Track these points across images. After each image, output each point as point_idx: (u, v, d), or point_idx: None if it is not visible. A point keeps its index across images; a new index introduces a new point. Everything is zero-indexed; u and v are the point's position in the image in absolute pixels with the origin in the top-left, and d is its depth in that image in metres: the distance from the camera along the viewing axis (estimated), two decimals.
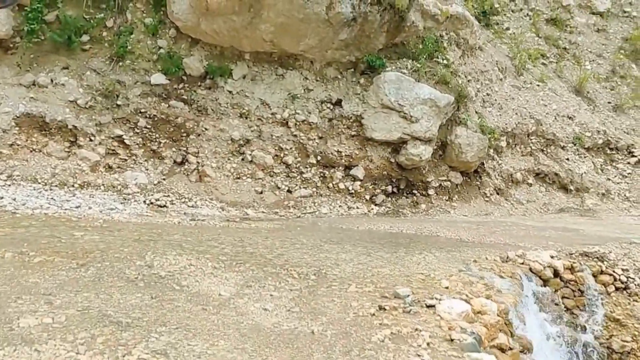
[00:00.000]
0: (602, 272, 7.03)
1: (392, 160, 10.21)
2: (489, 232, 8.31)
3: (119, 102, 9.18)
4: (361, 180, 9.97)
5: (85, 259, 4.86)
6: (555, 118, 12.92)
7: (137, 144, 9.07)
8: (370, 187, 10.02)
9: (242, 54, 10.01)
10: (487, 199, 10.94)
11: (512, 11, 15.35)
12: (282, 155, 9.75)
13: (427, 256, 6.29)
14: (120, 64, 9.43)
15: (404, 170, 10.29)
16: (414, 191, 10.32)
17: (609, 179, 12.42)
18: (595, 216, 11.07)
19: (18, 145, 8.36)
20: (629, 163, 12.83)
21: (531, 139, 12.36)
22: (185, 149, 9.29)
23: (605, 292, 6.92)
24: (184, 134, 9.39)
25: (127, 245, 5.42)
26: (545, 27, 15.41)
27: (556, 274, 6.69)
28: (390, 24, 10.00)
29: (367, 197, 9.90)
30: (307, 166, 9.81)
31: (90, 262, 4.79)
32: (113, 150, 8.89)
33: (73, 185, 8.10)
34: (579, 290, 6.84)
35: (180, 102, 9.52)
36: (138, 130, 9.14)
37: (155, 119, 9.30)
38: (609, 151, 13.00)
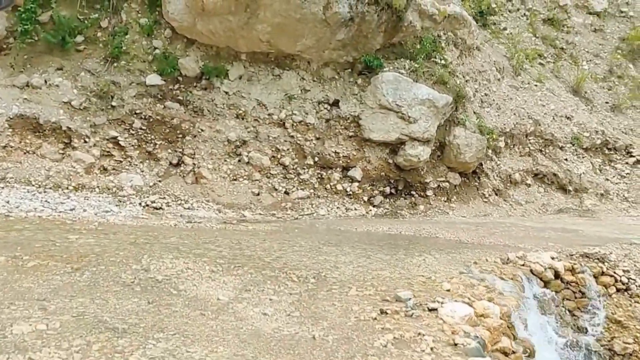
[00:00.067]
0: (602, 274, 6.98)
1: (390, 161, 10.14)
2: (488, 233, 8.26)
3: (113, 103, 9.07)
4: (359, 182, 9.89)
5: (80, 262, 4.77)
6: (554, 118, 12.88)
7: (133, 145, 8.97)
8: (368, 188, 9.94)
9: (238, 55, 9.92)
10: (485, 199, 10.88)
11: (509, 11, 15.32)
12: (279, 156, 9.66)
13: (427, 258, 6.23)
14: (115, 64, 9.32)
15: (402, 171, 10.22)
16: (412, 192, 10.25)
17: (607, 179, 12.38)
18: (594, 217, 11.04)
19: (11, 147, 8.24)
20: (627, 163, 12.80)
21: (529, 140, 12.31)
22: (181, 150, 9.20)
23: (606, 294, 6.87)
24: (180, 135, 9.29)
25: (123, 249, 5.32)
26: (543, 27, 15.38)
27: (557, 275, 6.65)
28: (387, 23, 9.93)
29: (365, 198, 9.83)
30: (305, 167, 9.73)
31: (85, 266, 4.69)
32: (108, 151, 8.78)
33: (67, 188, 8.00)
34: (580, 291, 6.79)
35: (175, 103, 9.43)
36: (133, 132, 9.04)
37: (151, 120, 9.20)
38: (607, 151, 12.97)
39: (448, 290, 5.05)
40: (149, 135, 9.11)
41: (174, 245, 5.70)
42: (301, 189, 9.50)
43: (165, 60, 9.49)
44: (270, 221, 8.31)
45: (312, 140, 9.89)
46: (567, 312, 6.61)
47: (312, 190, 9.55)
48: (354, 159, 9.99)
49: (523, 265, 6.47)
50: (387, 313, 4.30)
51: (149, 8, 9.72)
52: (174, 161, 9.07)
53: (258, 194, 9.16)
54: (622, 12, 16.08)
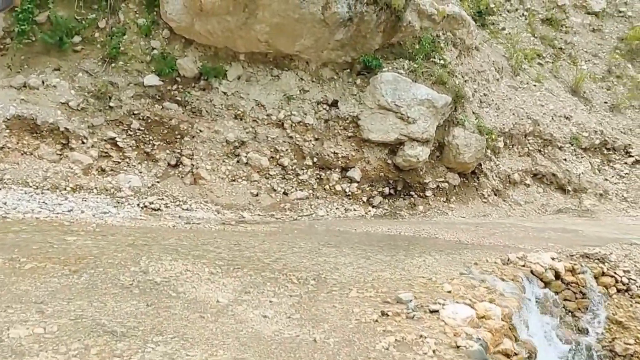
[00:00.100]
0: (603, 274, 6.95)
1: (389, 161, 10.10)
2: (488, 233, 8.22)
3: (111, 104, 9.03)
4: (358, 182, 9.85)
5: (78, 265, 4.72)
6: (552, 118, 12.86)
7: (131, 146, 8.93)
8: (367, 188, 9.91)
9: (236, 55, 9.88)
10: (484, 200, 10.85)
11: (508, 11, 15.30)
12: (277, 157, 9.62)
13: (427, 259, 6.19)
14: (113, 65, 9.27)
15: (401, 172, 10.18)
16: (411, 193, 10.21)
17: (606, 180, 12.37)
18: (593, 217, 11.02)
19: (9, 148, 8.19)
20: (626, 163, 12.78)
21: (528, 140, 12.29)
22: (179, 151, 9.15)
23: (607, 294, 6.85)
24: (178, 136, 9.24)
25: (121, 251, 5.28)
26: (541, 27, 15.37)
27: (557, 276, 6.62)
28: (386, 23, 9.90)
29: (364, 199, 9.79)
30: (303, 168, 9.69)
31: (83, 269, 4.65)
32: (106, 152, 8.73)
33: (65, 189, 7.95)
34: (581, 292, 6.76)
35: (174, 104, 9.38)
36: (131, 133, 8.99)
37: (149, 120, 9.15)
38: (606, 151, 12.95)
39: (449, 292, 5.01)
40: (147, 136, 9.06)
41: (172, 247, 5.65)
42: (300, 189, 9.46)
43: (163, 60, 9.44)
44: (269, 222, 8.27)
45: (311, 140, 9.85)
46: (568, 313, 6.58)
47: (311, 191, 9.51)
48: (353, 160, 9.96)
49: (523, 266, 6.44)
50: (388, 315, 4.26)
51: (146, 8, 9.67)
52: (172, 162, 9.03)
53: (257, 195, 9.12)
54: (620, 12, 16.08)
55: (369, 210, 9.60)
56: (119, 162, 8.72)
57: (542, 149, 12.35)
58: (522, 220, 10.16)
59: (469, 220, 9.79)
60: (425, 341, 3.81)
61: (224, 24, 9.23)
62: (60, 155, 8.44)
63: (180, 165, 9.04)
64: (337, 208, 9.38)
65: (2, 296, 3.93)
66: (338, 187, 9.71)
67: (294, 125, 9.83)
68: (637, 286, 6.86)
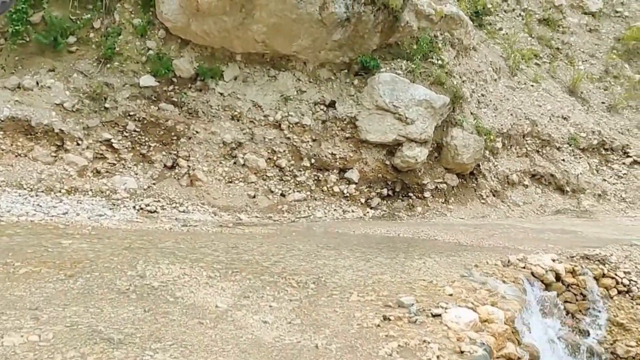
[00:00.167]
0: (604, 275, 6.91)
1: (387, 162, 10.04)
2: (487, 235, 8.17)
3: (107, 105, 8.92)
4: (356, 183, 9.78)
5: (73, 269, 4.63)
6: (550, 119, 12.83)
7: (126, 147, 8.83)
8: (366, 190, 9.84)
9: (233, 55, 9.79)
10: (483, 201, 10.80)
11: (505, 11, 15.27)
12: (275, 158, 9.54)
13: (427, 261, 6.12)
14: (108, 65, 9.17)
15: (400, 173, 10.12)
16: (409, 194, 10.15)
17: (604, 180, 12.34)
18: (592, 217, 10.98)
19: (2, 150, 8.08)
20: (624, 163, 12.77)
21: (526, 140, 12.25)
22: (175, 152, 9.06)
23: (607, 296, 6.80)
24: (174, 137, 9.15)
25: (118, 254, 5.19)
26: (538, 27, 15.35)
27: (558, 277, 6.57)
28: (384, 24, 9.84)
29: (363, 200, 9.72)
30: (301, 169, 9.61)
31: (78, 273, 4.55)
32: (101, 154, 8.63)
33: (60, 191, 7.84)
34: (581, 294, 6.72)
35: (170, 105, 9.29)
36: (127, 134, 8.90)
37: (145, 122, 9.05)
38: (604, 152, 12.93)
39: (450, 295, 4.94)
40: (143, 137, 8.96)
41: (169, 250, 5.56)
42: (297, 191, 9.38)
43: (159, 61, 9.34)
44: (266, 224, 8.19)
45: (308, 141, 9.77)
46: (569, 314, 6.53)
47: (308, 193, 9.44)
48: (351, 161, 9.89)
49: (524, 267, 6.39)
50: (390, 319, 4.19)
51: (142, 8, 9.57)
52: (169, 163, 8.94)
53: (254, 197, 9.03)
54: (617, 12, 16.08)
55: (367, 212, 9.54)
56: (114, 164, 8.62)
57: (540, 150, 12.32)
58: (521, 221, 10.12)
59: (468, 222, 9.73)
60: (428, 346, 3.74)
61: (220, 24, 9.14)
62: (55, 157, 8.34)
63: (177, 167, 8.94)
64: (335, 210, 9.30)
65: None
66: (336, 189, 9.64)
67: (291, 126, 9.76)
68: (637, 288, 6.82)
